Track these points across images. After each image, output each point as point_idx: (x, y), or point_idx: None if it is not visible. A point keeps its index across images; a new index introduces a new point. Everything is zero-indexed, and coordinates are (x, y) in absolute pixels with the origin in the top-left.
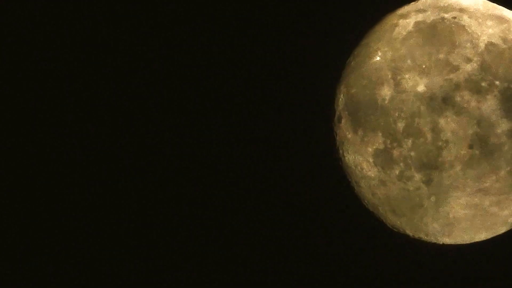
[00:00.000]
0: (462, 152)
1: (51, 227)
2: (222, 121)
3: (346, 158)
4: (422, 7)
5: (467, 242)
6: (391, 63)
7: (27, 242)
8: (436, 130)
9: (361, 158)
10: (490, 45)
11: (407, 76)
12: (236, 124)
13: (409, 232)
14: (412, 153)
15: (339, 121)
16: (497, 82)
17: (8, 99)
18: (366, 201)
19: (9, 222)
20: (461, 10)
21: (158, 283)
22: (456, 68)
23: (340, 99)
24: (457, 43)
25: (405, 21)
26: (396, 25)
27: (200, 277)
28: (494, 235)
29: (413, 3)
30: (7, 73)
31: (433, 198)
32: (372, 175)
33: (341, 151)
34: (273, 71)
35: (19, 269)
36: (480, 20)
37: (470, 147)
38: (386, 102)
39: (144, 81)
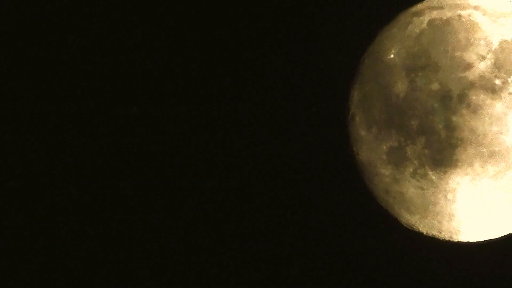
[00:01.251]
0: (476, 149)
1: (51, 227)
2: (239, 119)
3: (360, 155)
4: (435, 5)
5: (482, 240)
6: (405, 60)
7: (27, 242)
8: (450, 127)
9: (375, 155)
10: (503, 42)
11: (421, 73)
12: (251, 122)
13: (423, 229)
14: (426, 151)
15: (353, 118)
16: (510, 80)
17: (8, 99)
18: (379, 199)
19: (9, 222)
20: (475, 7)
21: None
22: (470, 66)
23: (354, 97)
24: (471, 41)
25: (419, 19)
26: (409, 22)
27: (222, 271)
28: (509, 233)
29: (426, 1)
30: (7, 73)
31: (446, 196)
32: (386, 172)
33: (355, 149)
34: (288, 70)
35: (19, 269)
36: (493, 18)
37: (484, 144)
38: (400, 99)
39: (161, 84)
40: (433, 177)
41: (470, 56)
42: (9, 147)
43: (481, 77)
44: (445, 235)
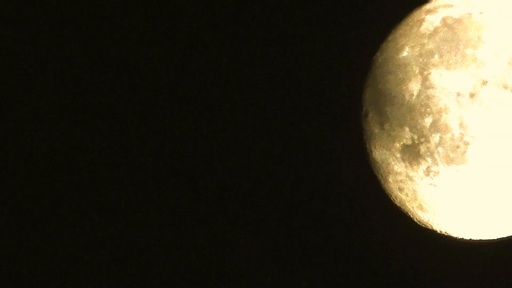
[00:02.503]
0: (490, 147)
1: (51, 227)
2: (253, 117)
3: (373, 153)
4: (449, 2)
5: (495, 238)
6: (418, 58)
7: (27, 242)
8: (463, 125)
9: (388, 153)
10: None
11: (434, 71)
12: (264, 120)
13: (436, 227)
14: (439, 149)
15: (366, 116)
16: None
17: (8, 99)
18: (393, 196)
19: (9, 222)
20: (488, 5)
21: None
22: (483, 64)
23: (368, 95)
24: (483, 39)
25: (432, 16)
26: (423, 20)
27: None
28: None
29: None
30: (7, 73)
31: (460, 194)
32: (399, 170)
33: (368, 147)
34: (301, 67)
35: (19, 269)
36: (505, 16)
37: (498, 142)
38: (413, 97)
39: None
40: (447, 175)
41: (482, 53)
42: (9, 147)
43: (494, 74)
44: (458, 233)
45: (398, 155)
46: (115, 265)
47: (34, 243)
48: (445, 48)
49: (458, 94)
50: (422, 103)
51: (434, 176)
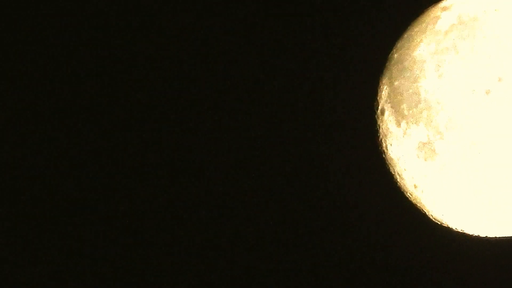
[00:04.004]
0: (506, 144)
1: (51, 227)
2: (268, 115)
3: (389, 150)
4: (464, 0)
5: (511, 235)
6: (434, 55)
7: (27, 242)
8: (479, 122)
9: (403, 150)
10: None
11: (450, 68)
12: (279, 119)
13: (452, 224)
14: (455, 146)
15: (382, 113)
16: None
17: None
18: (408, 194)
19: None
20: (503, 2)
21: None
22: (498, 60)
23: (383, 92)
24: (499, 35)
25: (448, 14)
26: (439, 17)
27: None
28: None
29: None
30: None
31: (476, 191)
32: (415, 167)
33: (384, 144)
34: (317, 65)
35: (19, 269)
36: None
37: None
38: (429, 94)
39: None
40: (462, 172)
41: (498, 50)
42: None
43: (509, 71)
44: (473, 231)
45: (414, 152)
46: (114, 265)
47: (34, 243)
48: (461, 45)
49: (474, 91)
50: (438, 100)
51: (449, 173)
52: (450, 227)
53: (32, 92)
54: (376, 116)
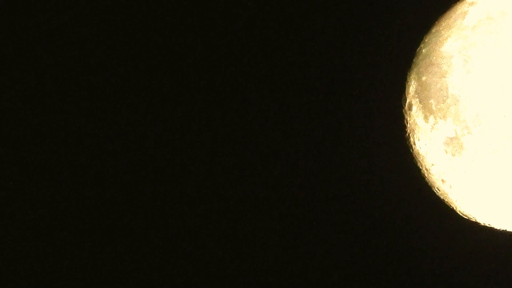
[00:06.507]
0: None
1: (50, 227)
2: (296, 112)
3: (417, 145)
4: None
5: None
6: (461, 50)
7: (26, 241)
8: (506, 117)
9: (431, 145)
10: None
11: (477, 63)
12: (307, 115)
13: (479, 219)
14: (483, 141)
15: (410, 108)
16: None
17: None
18: (436, 188)
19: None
20: None
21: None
22: None
23: (411, 87)
24: None
25: (475, 9)
26: (466, 12)
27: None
28: None
29: None
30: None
31: (504, 186)
32: (442, 162)
33: (412, 139)
34: (345, 60)
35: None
36: None
37: None
38: (457, 89)
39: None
40: (490, 167)
41: None
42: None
43: None
44: (501, 226)
45: (442, 147)
46: (115, 265)
47: (33, 243)
48: (489, 40)
49: (502, 86)
50: (466, 95)
51: (477, 168)
52: (478, 222)
53: (32, 92)
54: (403, 111)
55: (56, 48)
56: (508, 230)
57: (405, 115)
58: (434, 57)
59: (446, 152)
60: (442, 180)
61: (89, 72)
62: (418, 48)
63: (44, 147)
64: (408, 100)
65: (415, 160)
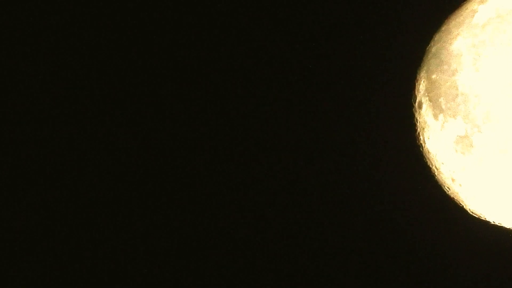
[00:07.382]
0: None
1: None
2: (306, 111)
3: (427, 144)
4: None
5: None
6: (471, 48)
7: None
8: None
9: (441, 144)
10: None
11: (487, 61)
12: (317, 114)
13: (489, 218)
14: (493, 139)
15: (420, 107)
16: None
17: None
18: (446, 187)
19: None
20: None
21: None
22: None
23: (421, 85)
24: None
25: (485, 7)
26: (476, 11)
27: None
28: None
29: None
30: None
31: None
32: (452, 161)
33: (421, 137)
34: (355, 59)
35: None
36: None
37: None
38: (467, 87)
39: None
40: (500, 166)
41: None
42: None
43: None
44: (511, 224)
45: (452, 146)
46: (114, 265)
47: (33, 243)
48: (498, 38)
49: (511, 85)
50: (476, 94)
51: (487, 166)
52: (488, 220)
53: (32, 92)
54: (413, 110)
55: (56, 48)
56: None
57: (415, 113)
58: (444, 56)
59: (456, 151)
60: (452, 179)
61: (89, 72)
62: (428, 47)
63: (44, 147)
64: (418, 99)
65: (425, 159)
